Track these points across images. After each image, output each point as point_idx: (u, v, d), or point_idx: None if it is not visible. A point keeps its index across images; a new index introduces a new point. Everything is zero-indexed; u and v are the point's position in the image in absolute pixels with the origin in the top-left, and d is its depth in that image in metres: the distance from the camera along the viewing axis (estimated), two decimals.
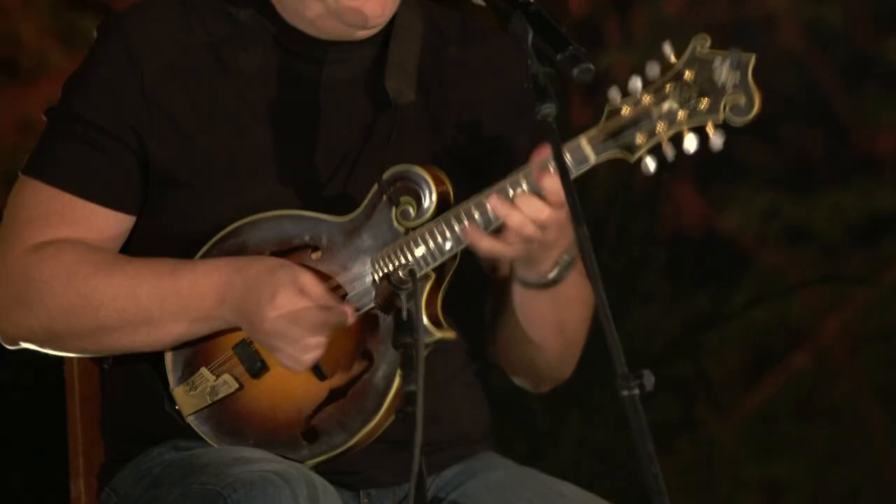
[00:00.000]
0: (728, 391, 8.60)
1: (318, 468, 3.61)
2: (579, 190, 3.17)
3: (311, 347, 3.46)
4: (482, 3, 3.40)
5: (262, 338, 3.57)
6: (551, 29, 3.30)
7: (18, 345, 3.53)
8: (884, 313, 8.64)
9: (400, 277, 3.48)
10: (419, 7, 3.62)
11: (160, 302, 3.60)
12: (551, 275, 3.46)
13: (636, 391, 3.14)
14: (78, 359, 3.58)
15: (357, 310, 3.52)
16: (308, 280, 3.43)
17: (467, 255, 3.51)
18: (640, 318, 8.28)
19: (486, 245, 3.28)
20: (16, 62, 8.43)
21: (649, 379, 3.13)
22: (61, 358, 3.57)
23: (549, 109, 3.23)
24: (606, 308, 3.13)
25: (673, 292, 8.49)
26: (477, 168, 3.55)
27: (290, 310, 3.45)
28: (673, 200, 8.42)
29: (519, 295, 3.53)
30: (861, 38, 8.63)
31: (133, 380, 3.67)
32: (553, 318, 3.55)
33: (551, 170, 3.31)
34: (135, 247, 3.67)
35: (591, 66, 3.29)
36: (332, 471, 3.60)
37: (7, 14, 8.26)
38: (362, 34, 3.42)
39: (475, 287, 3.52)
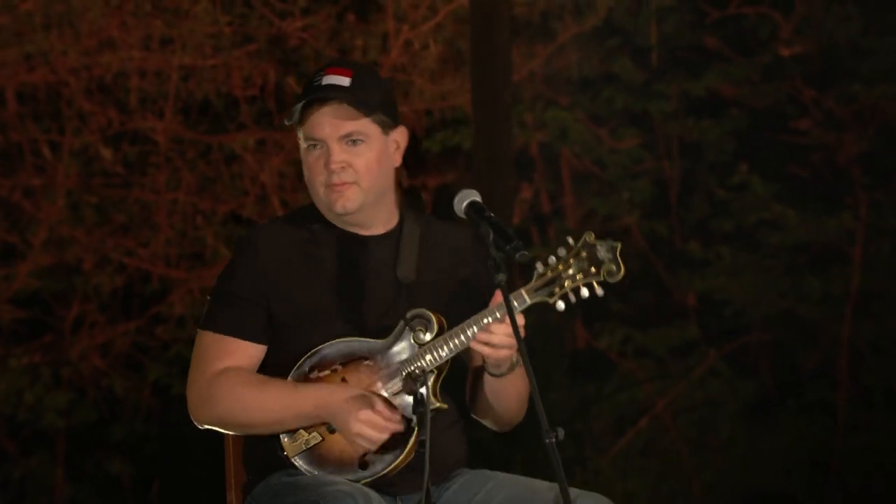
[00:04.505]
0: (603, 440, 8.92)
1: (369, 484, 3.49)
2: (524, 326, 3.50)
3: (376, 442, 3.47)
4: (463, 216, 3.48)
5: (347, 434, 3.48)
6: (503, 231, 3.38)
7: (204, 427, 3.60)
8: (691, 397, 9.01)
9: (416, 374, 3.44)
10: (415, 215, 3.66)
11: (284, 409, 3.50)
12: (508, 366, 3.49)
13: (554, 439, 3.21)
14: None
15: (391, 392, 3.52)
16: (377, 402, 3.48)
17: (455, 362, 3.54)
18: (555, 397, 8.44)
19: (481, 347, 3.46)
20: (202, 255, 8.82)
21: (561, 432, 3.22)
22: None
23: (502, 277, 3.35)
24: (536, 391, 3.26)
25: (571, 383, 8.66)
26: (452, 308, 3.53)
27: (365, 419, 3.45)
28: (571, 332, 8.35)
29: (490, 381, 3.56)
30: (678, 241, 8.98)
31: (263, 439, 3.56)
32: (511, 391, 3.56)
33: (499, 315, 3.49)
34: (263, 363, 3.60)
35: (526, 253, 3.35)
36: (378, 485, 3.49)
37: (197, 229, 8.72)
38: (360, 221, 3.59)
39: (461, 379, 3.63)
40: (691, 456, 8.71)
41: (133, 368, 8.68)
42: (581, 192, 9.35)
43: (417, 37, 8.77)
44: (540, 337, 8.37)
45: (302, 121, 3.52)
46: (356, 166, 3.51)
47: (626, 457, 8.73)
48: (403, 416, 3.47)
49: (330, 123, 3.49)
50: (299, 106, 3.52)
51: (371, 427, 3.41)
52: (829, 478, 8.47)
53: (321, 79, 3.50)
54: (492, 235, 3.33)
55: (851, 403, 8.55)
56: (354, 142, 3.50)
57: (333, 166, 3.49)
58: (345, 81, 3.49)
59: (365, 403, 3.44)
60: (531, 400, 3.31)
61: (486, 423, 3.66)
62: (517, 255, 3.31)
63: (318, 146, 3.51)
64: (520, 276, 7.22)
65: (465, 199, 3.45)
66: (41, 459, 8.46)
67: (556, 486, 3.28)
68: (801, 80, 8.89)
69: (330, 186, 3.51)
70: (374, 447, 3.44)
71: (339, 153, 3.49)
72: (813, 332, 8.75)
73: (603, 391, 8.82)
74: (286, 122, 3.57)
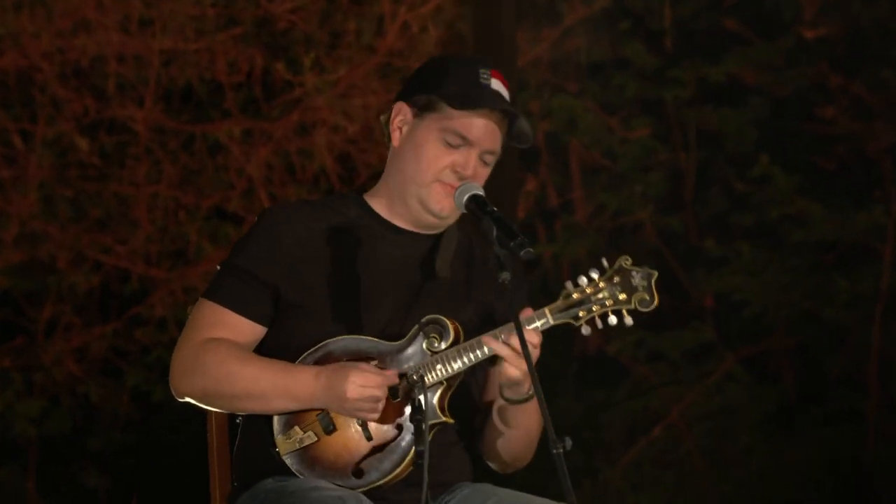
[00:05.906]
0: (614, 449, 8.67)
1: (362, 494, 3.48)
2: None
3: (376, 400, 3.39)
4: (464, 210, 3.44)
5: (344, 405, 3.41)
6: (507, 227, 3.33)
7: (184, 399, 3.55)
8: (707, 404, 8.76)
9: (414, 380, 3.37)
10: (460, 218, 3.64)
11: (273, 388, 3.44)
12: (527, 394, 3.39)
13: (561, 449, 3.18)
14: (216, 423, 3.64)
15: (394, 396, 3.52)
16: (362, 364, 3.43)
17: (466, 376, 3.49)
18: (562, 404, 8.35)
19: (503, 352, 3.37)
20: (185, 252, 8.52)
21: (568, 442, 3.19)
22: (205, 420, 3.64)
23: (505, 275, 3.27)
24: (543, 399, 3.22)
25: (580, 389, 8.56)
26: (479, 313, 3.52)
27: (359, 382, 3.37)
28: (580, 334, 7.88)
29: (503, 409, 3.49)
30: (693, 237, 9.24)
31: (253, 431, 3.54)
32: (521, 424, 3.51)
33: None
34: (264, 348, 3.54)
35: (532, 250, 3.29)
36: (371, 497, 3.41)
37: (179, 225, 8.41)
38: (438, 224, 3.54)
39: (471, 398, 3.53)
40: (708, 467, 8.53)
41: (110, 374, 8.40)
42: (590, 184, 9.25)
43: (415, 19, 8.50)
44: (547, 340, 8.01)
45: (451, 110, 3.46)
46: (476, 181, 3.51)
47: (638, 467, 8.57)
48: (402, 426, 3.43)
49: (487, 135, 3.49)
50: (466, 95, 3.45)
51: (368, 386, 3.35)
52: (857, 491, 8.27)
53: (489, 79, 3.50)
54: (495, 231, 3.30)
55: (882, 412, 8.38)
56: (487, 162, 3.52)
57: (466, 172, 3.47)
58: (506, 93, 3.52)
59: (353, 365, 3.39)
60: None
61: (493, 465, 3.63)
62: (522, 253, 3.26)
63: (460, 146, 3.49)
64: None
65: (467, 192, 3.42)
66: (11, 471, 8.21)
67: None
68: (827, 65, 8.76)
69: (444, 183, 3.49)
70: (376, 413, 3.39)
71: (475, 163, 3.49)
72: (840, 335, 8.62)
73: (614, 398, 8.70)
74: (432, 97, 3.47)
